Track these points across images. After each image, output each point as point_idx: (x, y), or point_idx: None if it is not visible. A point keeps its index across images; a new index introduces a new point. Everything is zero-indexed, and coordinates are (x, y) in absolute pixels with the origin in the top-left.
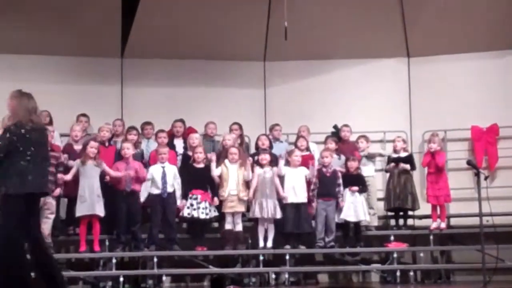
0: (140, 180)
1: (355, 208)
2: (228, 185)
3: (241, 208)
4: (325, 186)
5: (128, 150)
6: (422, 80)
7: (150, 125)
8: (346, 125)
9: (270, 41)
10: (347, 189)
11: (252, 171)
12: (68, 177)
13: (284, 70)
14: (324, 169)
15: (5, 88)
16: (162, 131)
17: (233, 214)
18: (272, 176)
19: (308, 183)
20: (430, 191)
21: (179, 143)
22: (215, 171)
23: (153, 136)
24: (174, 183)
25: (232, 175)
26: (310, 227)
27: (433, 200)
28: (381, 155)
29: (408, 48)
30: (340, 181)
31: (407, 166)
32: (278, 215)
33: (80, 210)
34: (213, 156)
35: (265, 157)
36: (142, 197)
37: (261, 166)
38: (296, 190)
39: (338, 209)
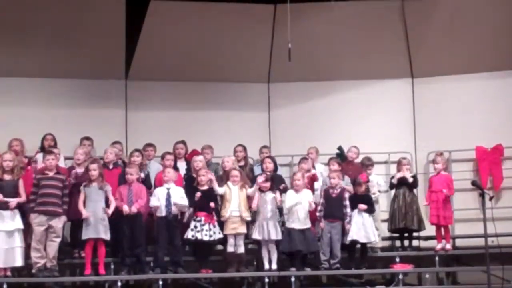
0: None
1: (365, 229)
2: (230, 206)
3: (243, 230)
4: (330, 207)
5: (132, 175)
6: (426, 101)
7: (151, 146)
8: (354, 146)
9: (274, 63)
10: (356, 210)
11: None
12: (82, 209)
13: (288, 91)
14: (330, 190)
15: (9, 112)
16: (169, 153)
17: (235, 236)
18: (273, 199)
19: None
20: (432, 211)
21: (181, 166)
22: (219, 190)
23: (154, 158)
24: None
25: (234, 197)
26: (316, 246)
27: (434, 219)
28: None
29: (412, 69)
30: (347, 202)
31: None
32: (279, 236)
33: (86, 234)
34: (212, 177)
35: (265, 186)
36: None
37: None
38: (299, 216)
39: (344, 231)
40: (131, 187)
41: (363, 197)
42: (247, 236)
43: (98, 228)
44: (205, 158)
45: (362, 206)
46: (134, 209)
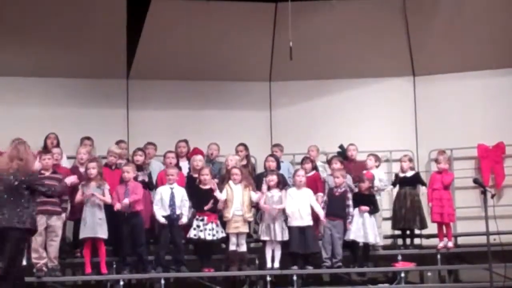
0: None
1: (364, 229)
2: (233, 206)
3: (245, 229)
4: (332, 206)
5: (128, 173)
6: (428, 99)
7: (152, 145)
8: (352, 144)
9: (275, 61)
10: (357, 209)
11: (259, 189)
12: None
13: (289, 90)
14: (334, 189)
15: (11, 111)
16: (170, 152)
17: (238, 235)
18: (279, 199)
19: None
20: (435, 209)
21: (184, 165)
22: (221, 195)
23: (155, 157)
24: (182, 205)
25: (236, 196)
26: (317, 247)
27: (437, 217)
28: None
29: (414, 67)
30: (350, 202)
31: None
32: (286, 237)
33: (83, 233)
34: (214, 185)
35: (272, 178)
36: (160, 219)
37: (269, 187)
38: (301, 213)
39: (346, 230)
40: (128, 186)
41: (366, 196)
42: (249, 235)
43: (95, 227)
44: (212, 156)
45: (364, 208)
46: (126, 201)
